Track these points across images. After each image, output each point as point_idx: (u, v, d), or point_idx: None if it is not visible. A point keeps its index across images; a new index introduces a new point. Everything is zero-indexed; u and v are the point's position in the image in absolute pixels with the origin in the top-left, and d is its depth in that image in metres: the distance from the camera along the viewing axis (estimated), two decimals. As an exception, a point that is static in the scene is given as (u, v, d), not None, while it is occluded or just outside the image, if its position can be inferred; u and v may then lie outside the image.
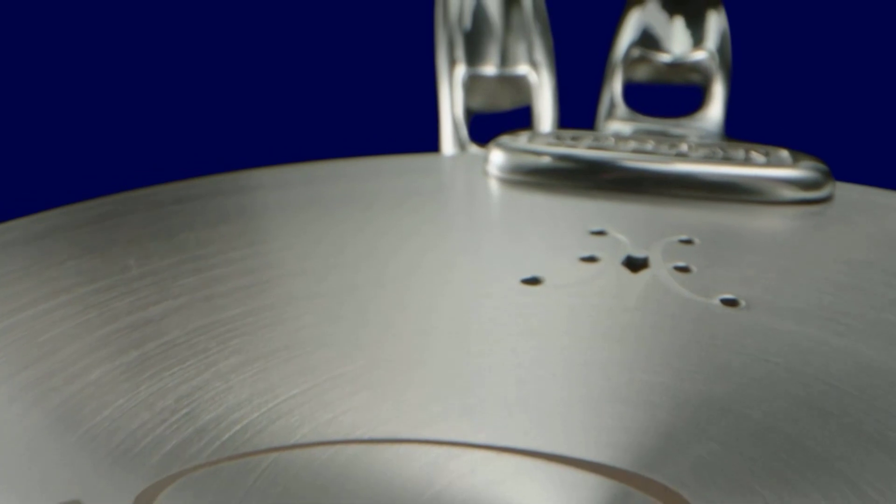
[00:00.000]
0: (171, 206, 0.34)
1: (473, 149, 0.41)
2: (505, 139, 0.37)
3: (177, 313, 0.26)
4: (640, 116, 0.40)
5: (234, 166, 0.35)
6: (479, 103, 0.43)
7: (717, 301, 0.26)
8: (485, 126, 0.43)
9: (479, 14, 0.44)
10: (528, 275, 0.28)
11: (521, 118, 0.43)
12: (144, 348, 0.24)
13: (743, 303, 0.26)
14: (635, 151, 0.35)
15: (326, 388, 0.23)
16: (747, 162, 0.35)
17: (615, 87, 0.42)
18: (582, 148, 0.36)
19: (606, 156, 0.35)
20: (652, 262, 0.29)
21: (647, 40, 0.44)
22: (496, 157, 0.36)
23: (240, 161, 0.35)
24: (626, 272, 0.28)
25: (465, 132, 0.40)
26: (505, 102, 0.43)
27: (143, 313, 0.26)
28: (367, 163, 0.38)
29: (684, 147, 0.36)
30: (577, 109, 0.44)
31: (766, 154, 0.36)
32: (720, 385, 0.23)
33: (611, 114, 0.40)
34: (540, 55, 0.43)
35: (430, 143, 0.41)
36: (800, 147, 0.37)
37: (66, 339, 0.25)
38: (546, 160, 0.35)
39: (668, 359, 0.24)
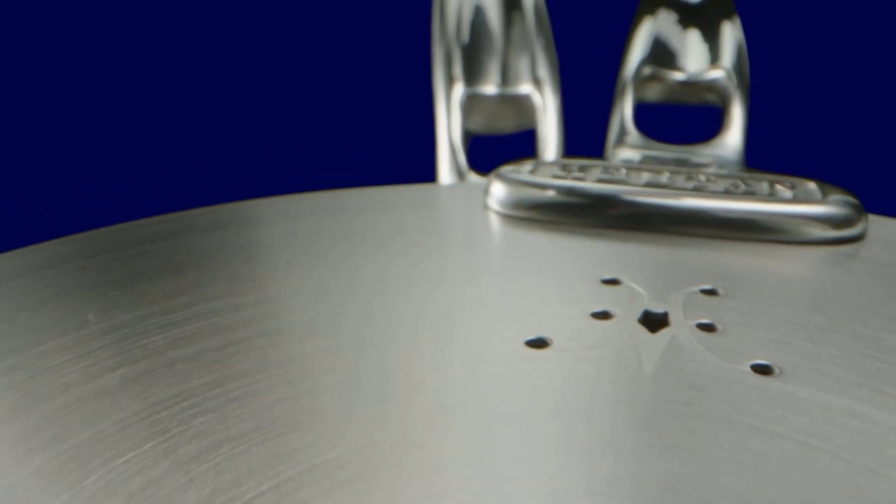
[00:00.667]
0: (142, 247, 0.30)
1: (473, 177, 0.37)
2: (506, 170, 0.34)
3: (136, 382, 0.23)
4: (653, 143, 0.37)
5: (229, 176, 0.34)
6: (479, 125, 0.39)
7: (747, 367, 0.23)
8: (486, 148, 0.40)
9: (479, 27, 0.41)
10: (533, 334, 0.24)
11: (524, 142, 0.40)
12: (97, 427, 0.21)
13: (777, 370, 0.23)
14: (649, 185, 0.32)
15: (303, 481, 0.20)
16: (772, 197, 0.32)
17: (626, 109, 0.39)
18: (590, 181, 0.33)
19: (617, 190, 0.32)
20: (672, 318, 0.25)
21: (659, 57, 0.40)
22: (497, 191, 0.33)
23: (233, 171, 0.35)
24: (643, 331, 0.25)
25: (463, 159, 0.37)
26: (507, 124, 0.40)
27: (97, 382, 0.23)
28: (357, 195, 0.35)
29: (702, 179, 0.33)
30: (585, 131, 0.41)
31: (792, 187, 0.33)
32: (757, 479, 0.19)
33: (621, 139, 0.37)
34: (543, 71, 0.40)
35: (427, 161, 0.38)
36: (820, 174, 0.34)
37: (4, 418, 0.22)
38: (551, 194, 0.32)
39: (695, 443, 0.21)
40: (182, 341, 0.24)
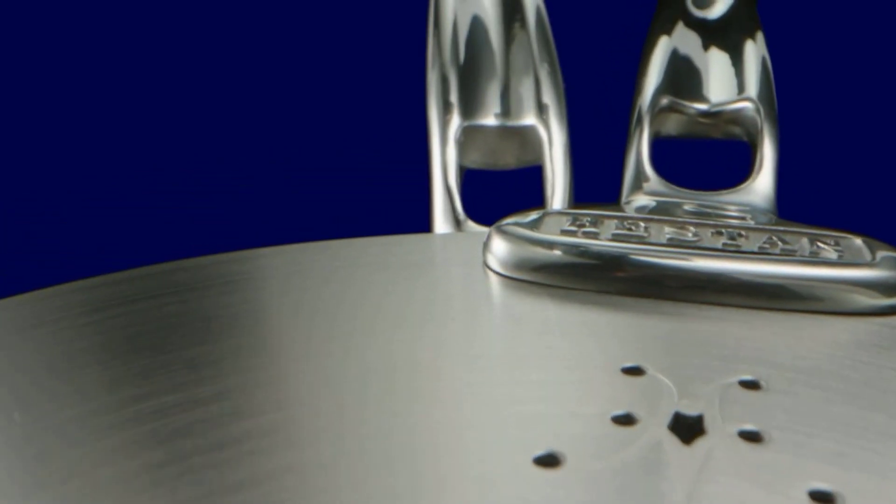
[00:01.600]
0: (103, 313, 0.26)
1: (471, 225, 0.33)
2: (509, 222, 0.30)
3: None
4: (674, 188, 0.33)
5: (229, 176, 0.33)
6: (478, 160, 0.35)
7: (803, 494, 0.19)
8: (486, 182, 0.36)
9: (478, 48, 0.37)
10: (542, 448, 0.20)
11: (528, 178, 0.35)
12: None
13: (839, 498, 0.19)
14: (673, 244, 0.28)
15: None
16: (815, 258, 0.27)
17: (642, 146, 0.34)
18: (605, 237, 0.29)
19: (636, 249, 0.28)
20: (708, 423, 0.21)
21: (678, 84, 0.36)
22: (497, 248, 0.29)
23: (233, 171, 0.34)
24: (674, 442, 0.21)
25: (459, 204, 0.33)
26: (509, 159, 0.36)
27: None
28: (338, 248, 0.31)
29: (733, 236, 0.29)
30: (596, 166, 0.36)
31: (836, 244, 0.28)
32: None
33: (638, 184, 0.33)
34: (549, 99, 0.36)
35: (426, 161, 0.34)
36: (861, 225, 0.30)
37: None
38: (559, 255, 0.28)
39: None
40: (118, 454, 0.20)
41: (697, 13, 0.39)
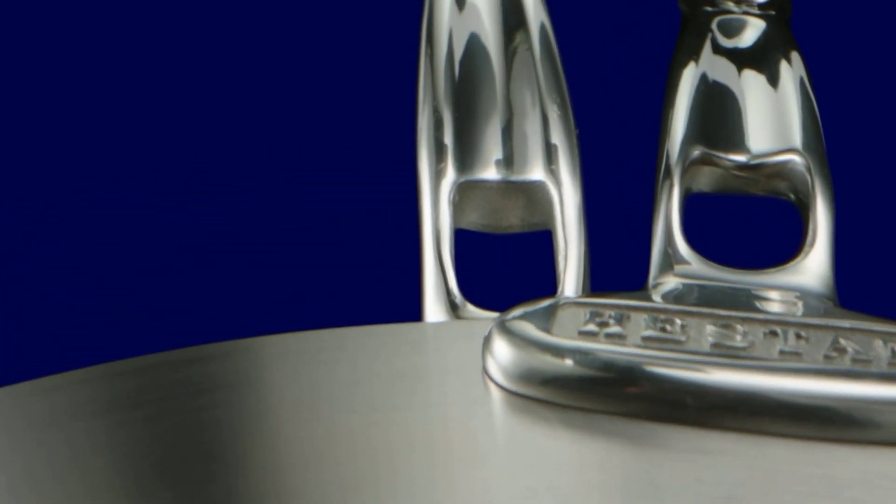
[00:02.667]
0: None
1: (470, 309, 0.28)
2: (514, 316, 0.24)
3: None
4: (711, 266, 0.27)
5: (229, 176, 0.34)
6: (477, 221, 0.30)
7: None
8: (486, 246, 0.30)
9: (476, 74, 0.31)
10: None
11: (536, 242, 0.30)
12: None
13: None
14: (719, 352, 0.23)
15: None
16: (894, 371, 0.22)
17: (672, 211, 0.29)
18: (633, 343, 0.23)
19: (674, 361, 0.22)
20: None
21: (710, 129, 0.31)
22: (500, 353, 0.23)
23: (233, 171, 0.35)
24: None
25: (454, 282, 0.28)
26: (513, 220, 0.30)
27: None
28: (311, 341, 0.25)
29: (790, 339, 0.23)
30: (615, 225, 0.31)
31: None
32: None
33: (668, 260, 0.28)
34: (558, 137, 0.30)
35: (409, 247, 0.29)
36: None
37: None
38: (576, 366, 0.23)
39: None
40: None
41: (727, 42, 0.33)
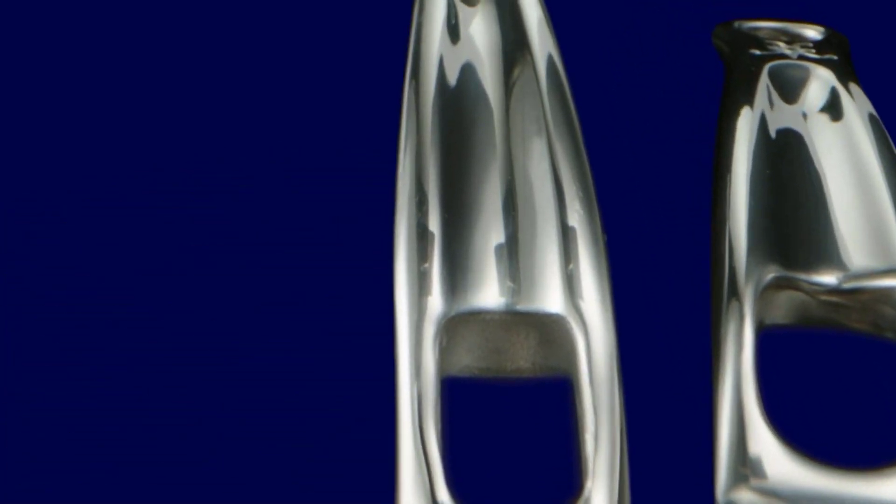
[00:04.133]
0: None
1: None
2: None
3: None
4: (799, 465, 0.22)
5: (229, 176, 0.35)
6: (472, 364, 0.25)
7: None
8: (483, 399, 0.25)
9: (470, 135, 0.27)
10: None
11: (550, 393, 0.25)
12: None
13: None
14: None
15: None
16: None
17: (744, 370, 0.23)
18: None
19: None
20: None
21: (784, 238, 0.25)
22: None
23: (233, 171, 0.36)
24: None
25: (441, 477, 0.22)
26: (521, 363, 0.25)
27: None
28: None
29: None
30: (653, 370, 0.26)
31: None
32: None
33: (742, 454, 0.22)
34: (581, 239, 0.25)
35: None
36: None
37: None
38: None
39: None
40: None
41: (790, 104, 0.27)
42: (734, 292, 0.23)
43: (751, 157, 0.26)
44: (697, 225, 0.28)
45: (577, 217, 0.25)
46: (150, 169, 0.37)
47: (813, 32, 0.29)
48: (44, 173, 0.37)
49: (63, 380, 0.31)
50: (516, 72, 0.28)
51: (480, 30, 0.30)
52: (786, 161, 0.27)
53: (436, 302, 0.23)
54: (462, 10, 0.30)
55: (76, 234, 0.35)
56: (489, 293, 0.24)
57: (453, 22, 0.30)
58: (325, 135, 0.37)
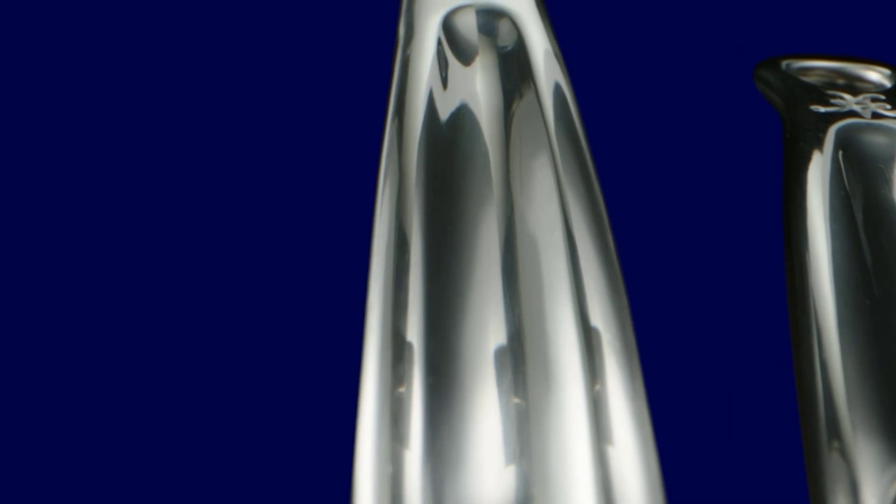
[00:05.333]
0: None
1: None
2: None
3: None
4: None
5: (229, 176, 0.36)
6: None
7: None
8: None
9: (461, 189, 0.22)
10: None
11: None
12: None
13: None
14: None
15: None
16: None
17: None
18: None
19: None
20: None
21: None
22: None
23: (233, 170, 0.36)
24: None
25: None
26: None
27: None
28: None
29: None
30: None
31: None
32: None
33: None
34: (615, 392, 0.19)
35: None
36: None
37: None
38: None
39: None
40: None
41: (869, 178, 0.23)
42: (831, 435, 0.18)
43: (833, 257, 0.22)
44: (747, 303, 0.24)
45: (599, 314, 0.20)
46: (150, 169, 0.37)
47: (878, 76, 0.25)
48: (44, 173, 0.37)
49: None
50: (520, 107, 0.24)
51: (478, 75, 0.26)
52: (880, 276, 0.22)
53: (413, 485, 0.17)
54: (454, 66, 0.26)
55: (76, 234, 0.35)
56: (490, 485, 0.17)
57: (444, 74, 0.26)
58: (325, 134, 0.37)
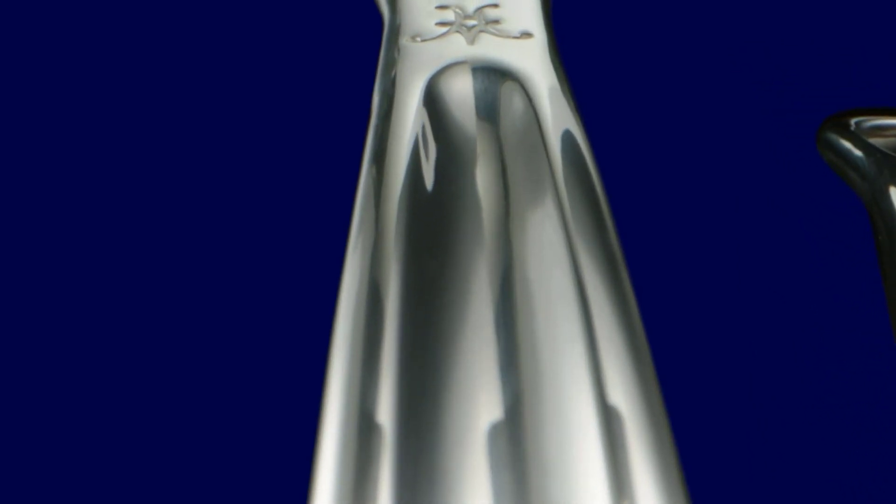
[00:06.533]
0: None
1: None
2: None
3: None
4: None
5: (230, 176, 0.36)
6: None
7: None
8: None
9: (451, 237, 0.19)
10: None
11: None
12: None
13: None
14: None
15: None
16: None
17: None
18: None
19: None
20: None
21: None
22: None
23: (233, 170, 0.36)
24: None
25: None
26: None
27: None
28: None
29: None
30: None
31: None
32: None
33: None
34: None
35: None
36: None
37: None
38: None
39: None
40: None
41: None
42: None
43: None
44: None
45: (620, 393, 0.16)
46: (150, 169, 0.37)
47: None
48: (44, 173, 0.37)
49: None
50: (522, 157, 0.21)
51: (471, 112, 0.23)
52: None
53: None
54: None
55: (75, 234, 0.34)
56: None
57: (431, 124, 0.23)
58: (324, 134, 0.37)
